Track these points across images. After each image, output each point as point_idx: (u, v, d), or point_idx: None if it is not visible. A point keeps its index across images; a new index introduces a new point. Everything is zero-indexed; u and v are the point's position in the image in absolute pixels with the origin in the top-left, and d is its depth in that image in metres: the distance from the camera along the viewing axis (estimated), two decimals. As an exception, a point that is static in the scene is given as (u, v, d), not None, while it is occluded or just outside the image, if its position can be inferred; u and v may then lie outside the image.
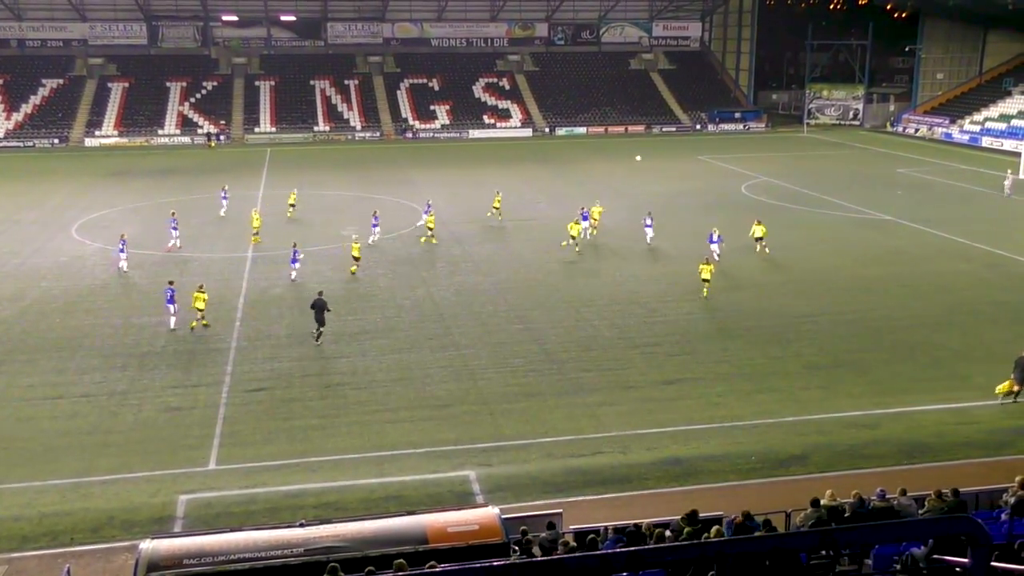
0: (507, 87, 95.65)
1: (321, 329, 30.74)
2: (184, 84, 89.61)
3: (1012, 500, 16.48)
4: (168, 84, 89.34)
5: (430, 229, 44.41)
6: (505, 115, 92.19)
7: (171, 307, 31.63)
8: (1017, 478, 17.17)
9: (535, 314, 33.52)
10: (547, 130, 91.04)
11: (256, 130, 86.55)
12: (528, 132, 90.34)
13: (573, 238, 42.39)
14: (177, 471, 21.84)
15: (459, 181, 62.43)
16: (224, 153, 78.61)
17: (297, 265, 37.91)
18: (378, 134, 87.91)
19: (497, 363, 28.72)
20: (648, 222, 43.57)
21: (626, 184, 60.56)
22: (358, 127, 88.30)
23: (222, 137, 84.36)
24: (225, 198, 51.41)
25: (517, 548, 15.00)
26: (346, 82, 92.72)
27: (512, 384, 27.11)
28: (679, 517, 16.10)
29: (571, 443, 23.23)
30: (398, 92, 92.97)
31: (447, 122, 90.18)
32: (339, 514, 18.64)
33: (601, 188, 58.22)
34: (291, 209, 50.57)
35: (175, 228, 43.30)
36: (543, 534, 15.96)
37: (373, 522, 14.19)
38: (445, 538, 13.58)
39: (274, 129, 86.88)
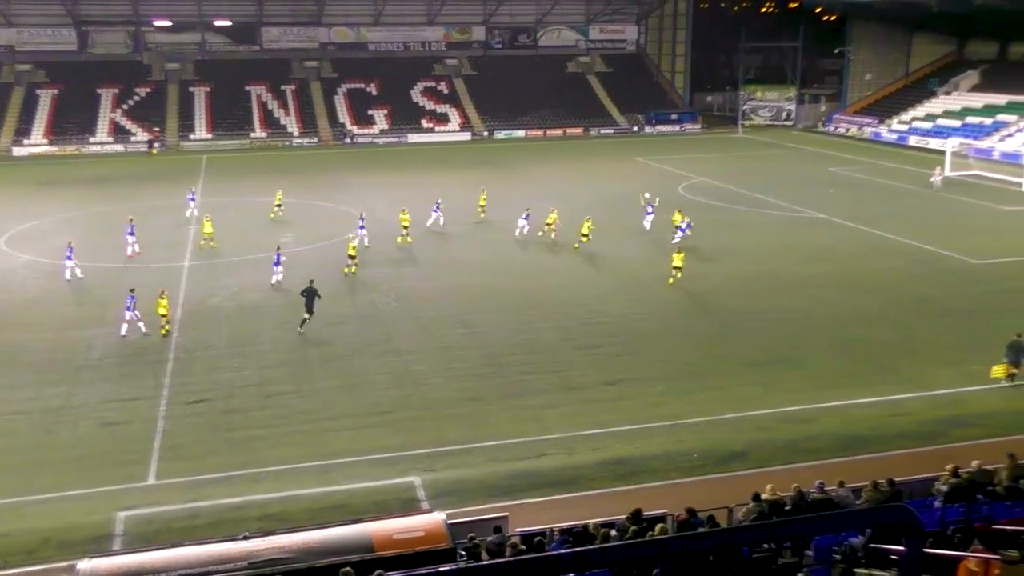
0: (445, 91, 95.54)
1: (307, 316, 31.59)
2: (116, 91, 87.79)
3: (944, 488, 16.93)
4: (99, 91, 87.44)
5: (405, 228, 44.82)
6: (444, 119, 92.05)
7: (128, 314, 31.22)
8: (948, 467, 17.65)
9: (477, 318, 33.52)
10: (486, 134, 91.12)
11: (192, 137, 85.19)
12: (467, 136, 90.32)
13: (585, 235, 43.43)
14: (115, 488, 21.38)
15: (398, 186, 62.16)
16: (159, 160, 77.24)
17: (280, 268, 37.49)
18: (316, 140, 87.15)
19: (440, 368, 28.66)
20: (648, 209, 45.81)
21: (566, 186, 60.89)
22: (295, 133, 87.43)
23: (156, 144, 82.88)
24: (192, 199, 51.41)
25: (464, 553, 14.99)
26: (283, 87, 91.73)
27: (455, 389, 27.07)
28: (624, 516, 16.24)
29: (515, 446, 23.27)
30: (335, 97, 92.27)
31: (385, 127, 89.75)
32: (283, 525, 18.41)
33: (542, 191, 58.45)
34: (277, 209, 50.89)
35: (131, 234, 42.84)
36: (490, 538, 15.97)
37: (318, 532, 14.06)
38: (391, 545, 13.52)
39: (210, 136, 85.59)
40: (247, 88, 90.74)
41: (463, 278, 38.93)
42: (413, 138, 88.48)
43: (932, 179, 58.74)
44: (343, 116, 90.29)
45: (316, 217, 51.52)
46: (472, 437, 23.78)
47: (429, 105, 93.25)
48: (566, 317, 33.46)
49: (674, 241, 42.50)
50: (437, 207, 48.42)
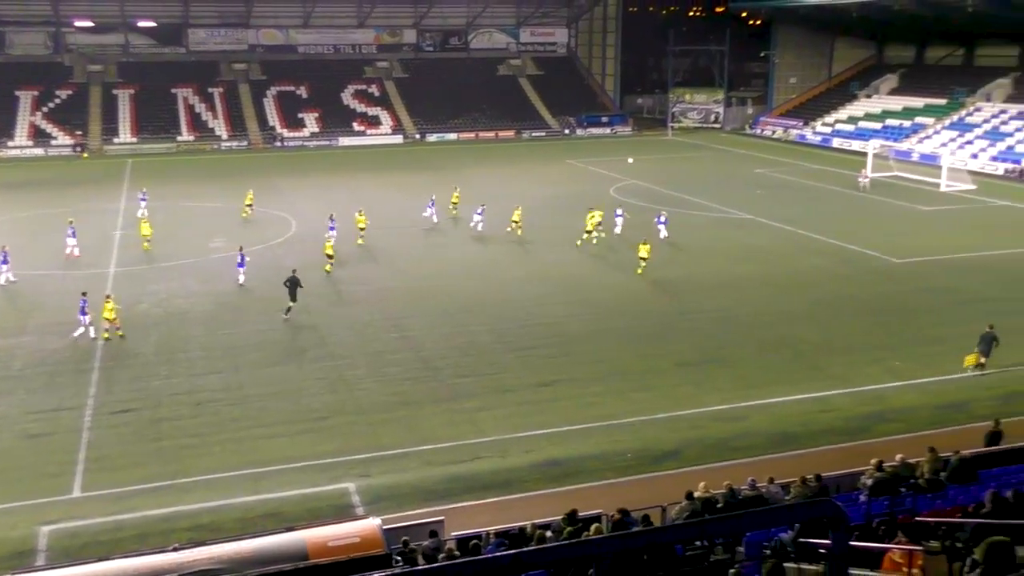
0: (377, 94, 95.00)
1: (291, 304, 33.09)
2: (36, 93, 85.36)
3: (869, 482, 17.37)
4: (18, 93, 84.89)
5: (361, 229, 45.16)
6: (375, 122, 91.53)
7: (83, 318, 30.97)
8: (872, 461, 18.12)
9: (411, 321, 33.38)
10: (418, 136, 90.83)
11: (116, 140, 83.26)
12: (399, 139, 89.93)
13: (589, 232, 44.48)
14: (38, 501, 20.78)
15: (331, 189, 61.63)
16: (83, 165, 75.31)
17: (243, 269, 37.55)
18: (245, 143, 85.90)
19: (374, 372, 28.48)
20: (662, 219, 46.12)
21: (500, 188, 60.96)
22: (224, 136, 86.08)
23: (78, 148, 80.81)
24: (144, 199, 51.08)
25: (400, 559, 14.91)
26: (210, 90, 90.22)
27: (389, 393, 26.92)
28: (560, 517, 16.33)
29: (450, 450, 23.23)
30: (265, 100, 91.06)
31: (316, 130, 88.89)
32: (214, 535, 18.09)
33: (477, 194, 58.44)
34: (248, 209, 51.17)
35: (72, 236, 42.32)
36: (425, 543, 15.93)
37: (251, 541, 13.83)
38: (326, 553, 13.36)
39: (135, 139, 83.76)
40: (173, 90, 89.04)
41: (396, 281, 38.73)
42: (344, 141, 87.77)
43: (860, 180, 60.15)
44: (273, 119, 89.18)
45: (246, 221, 50.75)
46: (407, 441, 23.67)
47: (360, 108, 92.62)
48: (500, 319, 33.51)
49: (663, 236, 44.62)
50: (432, 203, 49.35)
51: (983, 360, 27.54)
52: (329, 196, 58.68)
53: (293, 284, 33.74)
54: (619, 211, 47.04)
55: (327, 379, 27.97)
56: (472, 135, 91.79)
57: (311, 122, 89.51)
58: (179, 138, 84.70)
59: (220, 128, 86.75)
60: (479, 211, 47.28)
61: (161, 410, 25.75)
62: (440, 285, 38.15)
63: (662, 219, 46.15)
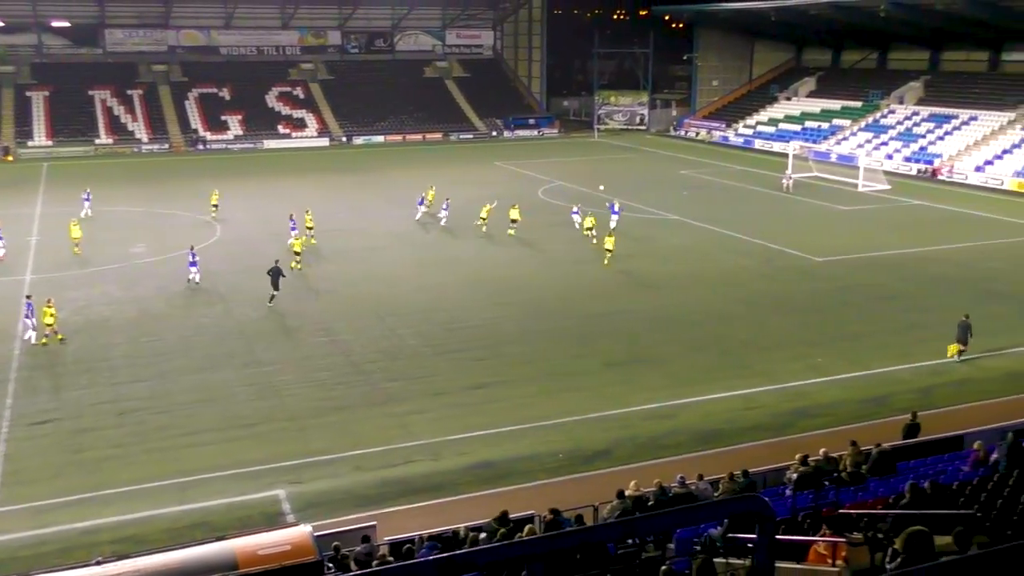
0: (301, 96, 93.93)
1: (275, 293, 34.41)
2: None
3: (794, 476, 17.78)
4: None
5: (309, 228, 45.23)
6: (300, 124, 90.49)
7: (28, 322, 30.73)
8: (797, 456, 18.54)
9: (340, 326, 33.10)
10: (344, 139, 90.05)
11: (30, 143, 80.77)
12: (325, 142, 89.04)
13: (590, 229, 45.46)
14: (-46, 516, 20.07)
15: (256, 193, 60.74)
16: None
17: (195, 268, 37.45)
18: (167, 146, 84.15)
19: (303, 378, 28.16)
20: (615, 208, 47.34)
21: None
22: (144, 139, 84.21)
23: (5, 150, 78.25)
24: (87, 200, 51.20)
25: (332, 565, 14.78)
26: (129, 92, 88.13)
27: (320, 398, 26.65)
28: (492, 519, 16.36)
29: (382, 454, 23.09)
30: (186, 102, 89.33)
31: (240, 132, 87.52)
32: (140, 547, 17.68)
33: (403, 195, 58.25)
34: (214, 209, 51.31)
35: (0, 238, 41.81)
36: (358, 548, 15.81)
37: (177, 552, 13.56)
38: (256, 561, 13.17)
39: (51, 142, 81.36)
40: (90, 92, 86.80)
41: (322, 286, 38.37)
42: (269, 144, 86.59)
43: (783, 182, 61.17)
44: (195, 122, 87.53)
45: (169, 226, 49.76)
46: (338, 446, 23.45)
47: (285, 110, 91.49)
48: (428, 322, 33.42)
49: (614, 222, 45.73)
50: (446, 206, 49.58)
51: (963, 348, 28.89)
52: (255, 200, 57.85)
53: (275, 274, 34.88)
54: (575, 209, 48.97)
55: (256, 385, 27.56)
56: (399, 137, 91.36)
57: (234, 125, 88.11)
58: (97, 141, 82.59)
59: (140, 131, 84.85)
60: (444, 206, 49.09)
61: (83, 420, 25.08)
62: (368, 289, 37.88)
63: (615, 208, 47.60)
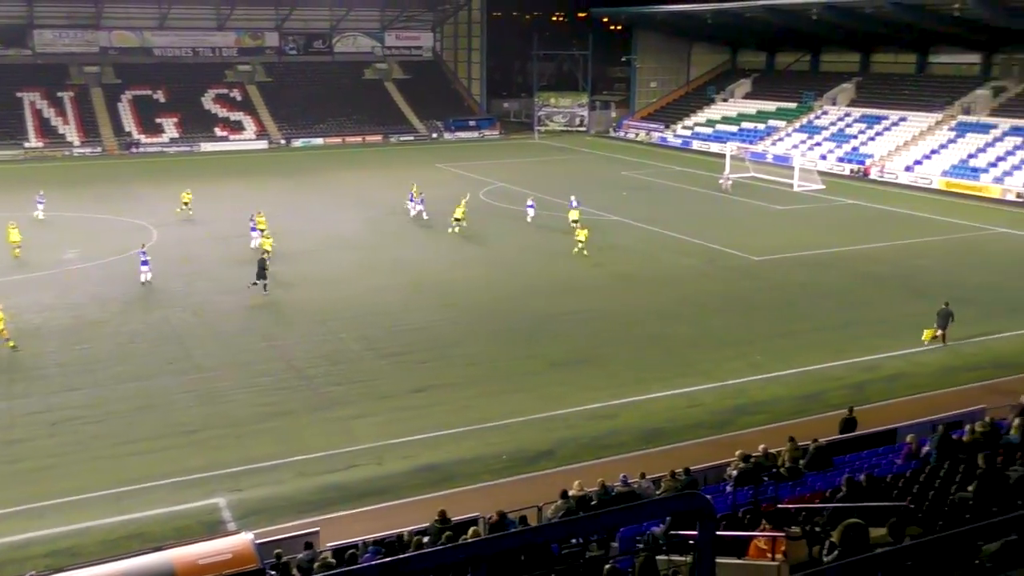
0: (239, 98, 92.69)
1: (266, 281, 36.34)
2: None
3: (734, 473, 18.03)
4: None
5: (262, 229, 44.50)
6: (238, 127, 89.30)
7: None
8: (738, 452, 18.81)
9: (280, 330, 32.73)
10: (283, 142, 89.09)
11: (-44, 148, 78.52)
12: (263, 144, 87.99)
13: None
14: None
15: (193, 197, 59.72)
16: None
17: (146, 268, 37.31)
18: (99, 149, 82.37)
19: (243, 383, 27.78)
20: (574, 203, 49.31)
21: (369, 193, 60.51)
22: (76, 142, 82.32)
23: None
24: (41, 202, 51.15)
25: (274, 573, 14.62)
26: (59, 94, 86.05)
27: (260, 404, 26.31)
28: (434, 520, 16.31)
29: (325, 459, 22.88)
30: (119, 104, 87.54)
31: (176, 135, 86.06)
32: (75, 560, 17.30)
33: (345, 198, 57.90)
34: (185, 208, 52.13)
35: None
36: (300, 555, 15.65)
37: (114, 564, 13.29)
38: (196, 571, 12.96)
39: (-23, 146, 79.18)
40: (19, 95, 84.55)
41: (262, 289, 37.84)
42: (206, 147, 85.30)
43: (722, 182, 61.78)
44: (129, 124, 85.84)
45: (103, 231, 48.75)
46: (280, 453, 23.18)
47: (222, 112, 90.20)
48: (371, 326, 33.22)
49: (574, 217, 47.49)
50: (421, 200, 50.90)
51: (939, 333, 30.16)
52: (192, 203, 56.90)
53: (261, 265, 36.94)
54: (530, 202, 51.01)
55: (195, 392, 27.12)
56: (339, 140, 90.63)
57: (170, 127, 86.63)
58: (27, 145, 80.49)
59: (71, 134, 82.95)
60: (420, 201, 50.59)
61: (15, 431, 24.43)
62: (310, 292, 37.53)
63: (574, 203, 49.08)
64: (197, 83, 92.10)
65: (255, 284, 36.64)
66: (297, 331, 32.64)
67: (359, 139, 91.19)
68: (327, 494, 21.17)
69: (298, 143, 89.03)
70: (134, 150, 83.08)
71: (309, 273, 40.62)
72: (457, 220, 47.85)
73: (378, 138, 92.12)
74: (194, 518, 20.14)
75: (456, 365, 29.32)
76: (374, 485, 21.62)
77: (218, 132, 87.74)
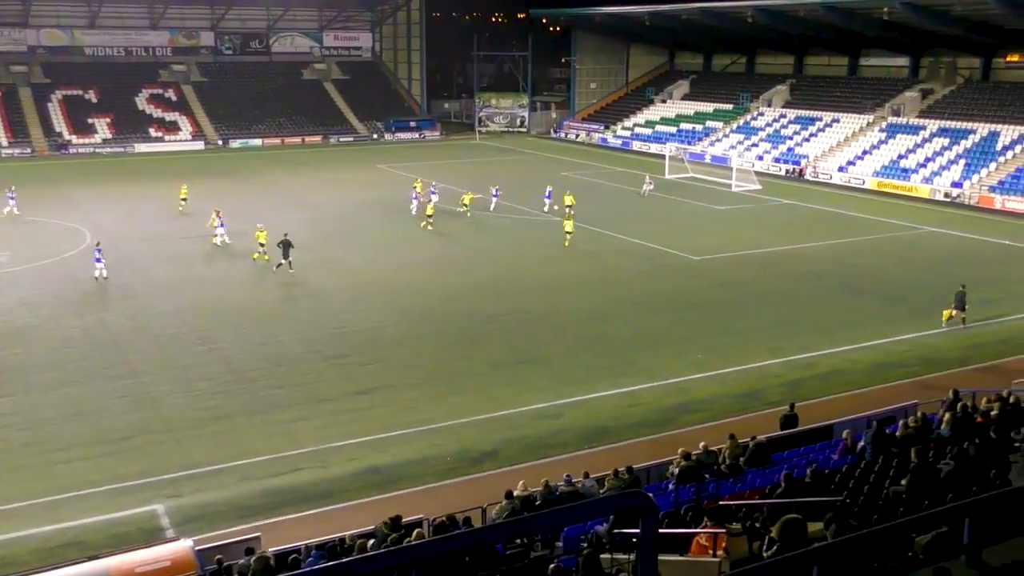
0: (174, 98, 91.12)
1: (282, 262, 39.02)
2: None
3: (676, 471, 18.25)
4: None
5: (261, 246, 42.65)
6: (173, 127, 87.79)
7: None
8: (680, 450, 19.04)
9: (219, 333, 32.27)
10: (220, 143, 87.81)
11: None
12: (200, 145, 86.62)
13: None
14: None
15: (127, 198, 58.67)
16: None
17: (101, 264, 37.23)
18: (29, 150, 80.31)
19: (182, 388, 27.33)
20: (547, 194, 54.18)
21: (309, 195, 59.94)
22: (4, 143, 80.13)
23: None
24: (12, 198, 51.45)
25: (216, 580, 14.42)
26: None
27: (200, 408, 25.92)
28: (381, 523, 16.24)
29: (267, 463, 22.62)
30: (49, 104, 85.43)
31: (109, 136, 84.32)
32: (8, 570, 16.89)
33: (285, 200, 57.29)
34: (183, 203, 52.85)
35: None
36: (241, 560, 15.46)
37: (49, 574, 13.03)
38: (135, 580, 12.75)
39: (-100, 147, 76.70)
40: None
41: (200, 292, 37.29)
42: (141, 148, 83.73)
43: (644, 188, 61.36)
44: (59, 125, 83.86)
45: (34, 234, 47.57)
46: (220, 457, 22.85)
47: (157, 113, 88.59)
48: (312, 328, 32.93)
49: (547, 207, 52.63)
50: (496, 192, 53.64)
51: (955, 314, 32.12)
52: (126, 205, 55.88)
53: (285, 246, 39.20)
54: (495, 190, 54.30)
55: (131, 397, 26.60)
56: (278, 140, 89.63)
57: (103, 128, 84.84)
58: (-47, 145, 78.26)
59: None
60: (432, 191, 52.82)
61: (-58, 441, 23.72)
62: (246, 295, 37.07)
63: (548, 194, 53.07)
64: (130, 83, 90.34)
65: (282, 264, 39.16)
66: (237, 333, 32.21)
67: (298, 140, 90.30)
68: (270, 498, 20.93)
69: (236, 144, 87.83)
70: (65, 151, 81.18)
71: (249, 274, 40.09)
72: (466, 206, 52.11)
73: (318, 139, 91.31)
74: (132, 525, 19.77)
75: (400, 367, 29.20)
76: (318, 488, 21.44)
77: (153, 133, 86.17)
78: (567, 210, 49.10)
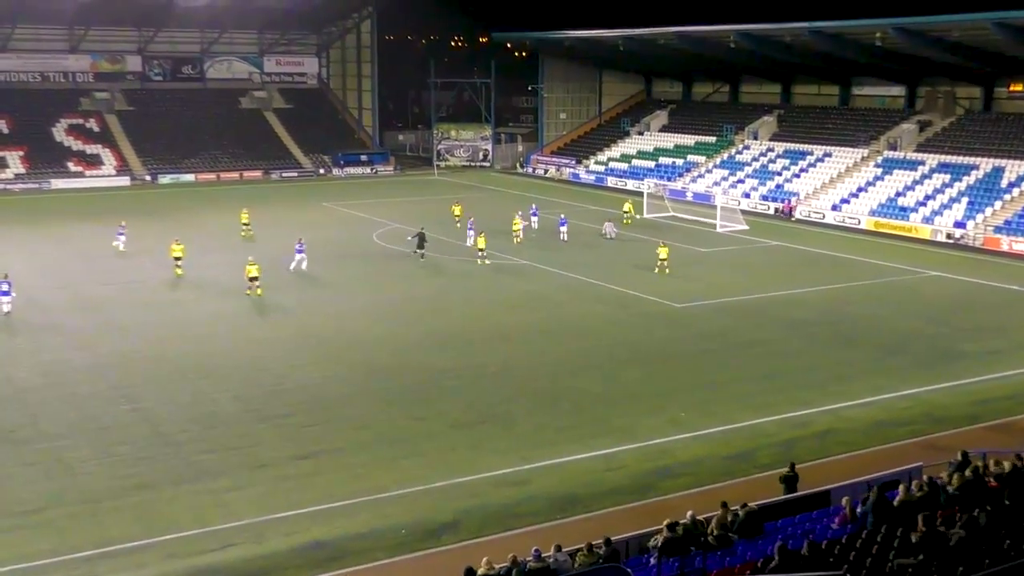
0: (96, 129, 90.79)
1: (424, 251, 49.91)
2: None
3: (659, 543, 18.07)
4: None
5: (253, 280, 43.98)
6: (95, 161, 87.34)
7: None
8: (666, 520, 18.86)
9: (144, 391, 31.79)
10: (148, 178, 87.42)
11: None
12: (126, 181, 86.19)
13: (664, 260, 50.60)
14: None
15: (41, 240, 58.00)
16: None
17: (8, 298, 38.45)
18: (-69, 186, 79.45)
19: (100, 452, 26.81)
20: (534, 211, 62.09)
21: (248, 236, 59.65)
22: (-96, 177, 79.28)
23: None
24: (122, 234, 54.44)
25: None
26: None
27: (120, 476, 25.41)
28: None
29: (196, 538, 22.17)
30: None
31: (22, 171, 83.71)
32: None
33: (218, 241, 56.94)
34: (245, 228, 59.35)
35: None
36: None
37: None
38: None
39: None
40: None
41: (122, 345, 36.78)
42: (58, 184, 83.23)
43: (605, 230, 61.41)
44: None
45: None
46: (143, 532, 22.37)
47: (76, 145, 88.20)
48: (248, 384, 32.55)
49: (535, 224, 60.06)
50: (301, 246, 50.40)
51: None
52: (41, 248, 55.23)
53: (420, 238, 50.15)
54: (533, 208, 62.92)
55: (40, 464, 26.03)
56: (213, 176, 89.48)
57: (15, 162, 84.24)
58: None
59: (-102, 168, 79.91)
60: (470, 225, 56.88)
61: None
62: (178, 347, 36.60)
63: (563, 221, 58.43)
64: (47, 112, 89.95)
65: (416, 253, 47.86)
66: (164, 391, 31.75)
67: (236, 175, 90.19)
68: (198, 579, 20.48)
69: (166, 179, 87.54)
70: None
71: (179, 324, 39.64)
72: (516, 231, 57.50)
73: (258, 174, 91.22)
74: (40, 612, 19.23)
75: (346, 428, 28.87)
76: (253, 566, 21.04)
77: (72, 167, 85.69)
78: (663, 261, 50.33)
